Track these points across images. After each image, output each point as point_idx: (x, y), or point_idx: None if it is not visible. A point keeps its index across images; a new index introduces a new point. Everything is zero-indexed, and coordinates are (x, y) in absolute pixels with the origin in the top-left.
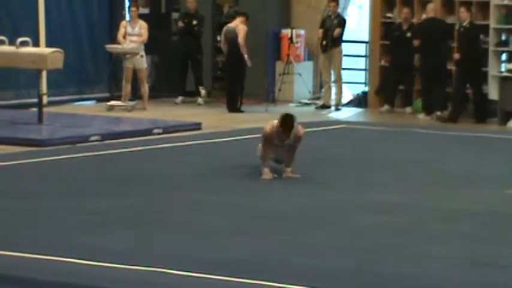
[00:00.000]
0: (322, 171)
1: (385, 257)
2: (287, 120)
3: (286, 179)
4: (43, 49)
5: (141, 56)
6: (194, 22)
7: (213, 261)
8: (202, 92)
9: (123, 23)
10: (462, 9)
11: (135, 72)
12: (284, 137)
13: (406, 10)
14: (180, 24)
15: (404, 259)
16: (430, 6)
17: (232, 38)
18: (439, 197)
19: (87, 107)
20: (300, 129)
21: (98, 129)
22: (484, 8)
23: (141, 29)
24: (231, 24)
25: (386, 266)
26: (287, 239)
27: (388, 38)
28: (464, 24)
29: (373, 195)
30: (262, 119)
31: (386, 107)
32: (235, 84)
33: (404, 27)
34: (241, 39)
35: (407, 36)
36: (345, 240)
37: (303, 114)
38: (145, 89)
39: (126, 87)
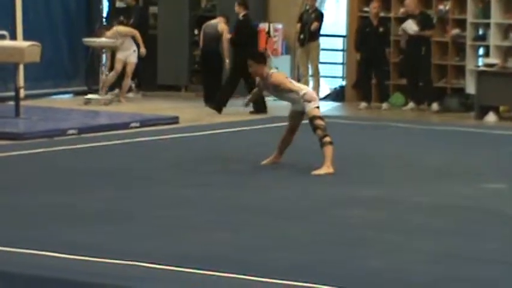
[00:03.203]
0: (300, 165)
1: (364, 251)
2: (253, 54)
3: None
4: (20, 42)
5: (134, 51)
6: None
7: (193, 255)
8: (132, 85)
9: None
10: None
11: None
12: (255, 71)
13: (375, 5)
14: (121, 18)
15: (383, 253)
16: (408, 2)
17: (211, 34)
18: (417, 191)
19: (64, 100)
20: (276, 77)
21: (75, 123)
22: (462, 2)
23: None
24: (212, 21)
25: (365, 260)
26: (268, 232)
27: (359, 33)
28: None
29: (351, 189)
30: (239, 112)
31: (363, 104)
32: (212, 80)
33: (375, 22)
34: (226, 42)
35: (379, 31)
36: (325, 234)
37: (281, 107)
38: (127, 83)
39: (112, 78)
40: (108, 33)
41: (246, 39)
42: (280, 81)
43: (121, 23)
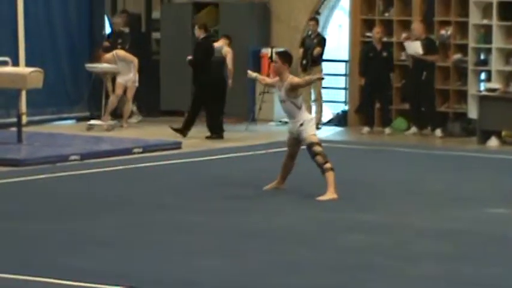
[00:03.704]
0: (303, 190)
1: (367, 276)
2: (282, 51)
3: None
4: (22, 69)
5: (134, 75)
6: (119, 41)
7: (196, 281)
8: (133, 109)
9: None
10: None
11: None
12: (278, 67)
13: (378, 29)
14: (106, 43)
15: (387, 278)
16: (415, 26)
17: (215, 58)
18: (420, 216)
19: (66, 126)
20: (294, 78)
21: (77, 149)
22: (463, 27)
23: None
24: (216, 44)
25: (369, 285)
26: (271, 258)
27: (363, 58)
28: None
29: (354, 214)
30: (242, 138)
31: (366, 128)
32: (216, 104)
33: (379, 47)
34: (230, 63)
35: (383, 56)
36: (327, 260)
37: (283, 133)
38: (128, 107)
39: (113, 102)
40: (107, 55)
41: (204, 62)
42: (294, 81)
43: (109, 49)
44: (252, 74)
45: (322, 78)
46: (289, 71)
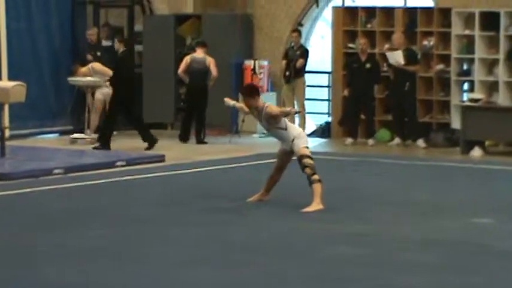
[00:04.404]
0: (287, 202)
1: (352, 287)
2: (244, 88)
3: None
4: (5, 82)
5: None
6: (98, 54)
7: None
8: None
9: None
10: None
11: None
12: (250, 105)
13: (363, 41)
14: (89, 57)
15: None
16: (395, 37)
17: (199, 69)
18: (405, 226)
19: (50, 140)
20: (272, 108)
21: (60, 162)
22: (446, 37)
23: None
24: (198, 56)
25: None
26: (255, 270)
27: (347, 69)
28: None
29: (339, 225)
30: (225, 150)
31: (349, 140)
32: (198, 115)
33: (363, 58)
34: (214, 71)
35: (366, 67)
36: (313, 271)
37: (267, 144)
38: None
39: (94, 119)
40: (83, 69)
41: (124, 76)
42: (273, 112)
43: (91, 62)
44: (229, 101)
45: (299, 112)
46: (261, 99)
